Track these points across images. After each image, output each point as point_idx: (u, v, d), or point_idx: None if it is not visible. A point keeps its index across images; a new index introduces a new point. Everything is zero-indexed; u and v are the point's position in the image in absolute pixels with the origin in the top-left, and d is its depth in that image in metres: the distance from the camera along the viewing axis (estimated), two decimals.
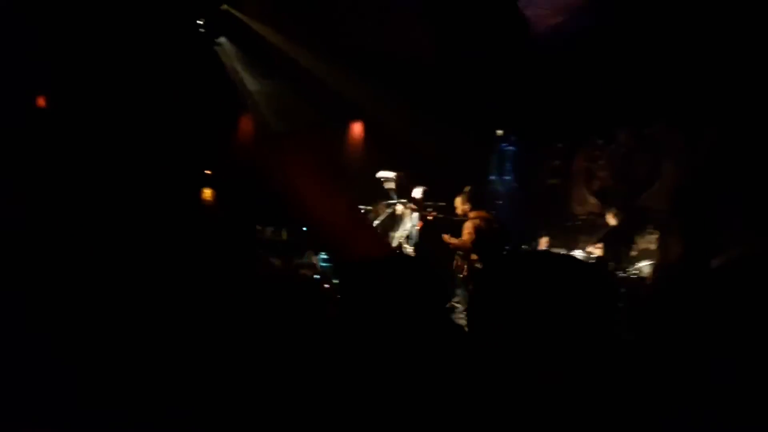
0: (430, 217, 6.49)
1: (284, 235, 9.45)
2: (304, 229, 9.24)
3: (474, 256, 5.75)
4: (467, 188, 5.87)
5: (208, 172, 9.58)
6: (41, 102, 8.69)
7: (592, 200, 9.68)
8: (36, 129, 8.00)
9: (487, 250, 5.59)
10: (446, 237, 5.73)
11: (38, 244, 5.31)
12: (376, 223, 7.62)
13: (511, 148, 10.01)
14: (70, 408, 2.47)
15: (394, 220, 7.63)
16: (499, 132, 9.93)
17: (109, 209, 7.28)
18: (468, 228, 5.54)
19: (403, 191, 7.73)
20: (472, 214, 5.61)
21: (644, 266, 7.24)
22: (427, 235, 7.60)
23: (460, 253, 6.48)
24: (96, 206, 7.31)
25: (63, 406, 2.47)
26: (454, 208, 5.82)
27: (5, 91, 7.32)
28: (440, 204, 7.10)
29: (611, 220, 7.67)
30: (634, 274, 7.20)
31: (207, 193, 9.20)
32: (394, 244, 7.40)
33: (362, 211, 8.18)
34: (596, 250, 7.55)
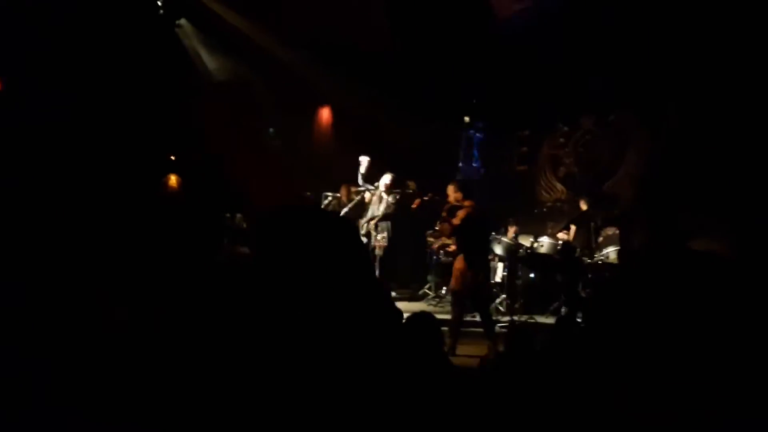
0: (426, 198, 6.69)
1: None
2: None
3: (451, 240, 5.98)
4: (458, 177, 6.11)
5: (172, 157, 9.35)
6: None
7: (559, 187, 9.80)
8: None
9: (474, 236, 5.85)
10: (444, 216, 5.96)
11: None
12: (345, 210, 7.59)
13: (478, 135, 10.05)
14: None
15: (363, 207, 7.59)
16: (467, 119, 9.94)
17: (70, 196, 7.06)
18: (461, 214, 5.74)
19: (370, 178, 7.71)
20: (466, 203, 5.82)
21: (610, 251, 7.36)
22: (400, 220, 7.62)
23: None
24: (57, 192, 7.09)
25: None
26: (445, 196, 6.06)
27: None
28: (408, 190, 7.15)
29: (583, 206, 7.77)
30: (601, 259, 7.32)
31: (172, 179, 8.98)
32: (362, 231, 7.37)
33: (329, 197, 8.12)
34: (564, 236, 7.66)
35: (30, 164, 7.44)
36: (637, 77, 8.33)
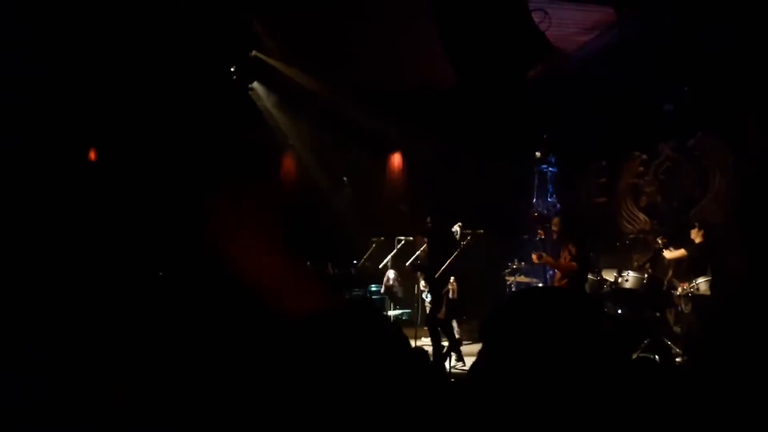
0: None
1: (330, 270, 9.49)
2: (354, 262, 9.31)
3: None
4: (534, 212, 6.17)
5: None
6: (92, 155, 9.04)
7: (642, 217, 9.40)
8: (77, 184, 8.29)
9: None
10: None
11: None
12: (417, 253, 7.59)
13: (551, 169, 9.84)
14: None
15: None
16: (538, 154, 9.78)
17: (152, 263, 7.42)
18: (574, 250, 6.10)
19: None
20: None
21: (701, 282, 6.94)
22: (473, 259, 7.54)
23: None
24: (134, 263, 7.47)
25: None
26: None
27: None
28: (479, 231, 7.09)
29: (697, 238, 7.29)
30: (690, 291, 6.92)
31: None
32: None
33: (402, 241, 8.15)
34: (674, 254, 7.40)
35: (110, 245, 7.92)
36: (712, 96, 7.96)
